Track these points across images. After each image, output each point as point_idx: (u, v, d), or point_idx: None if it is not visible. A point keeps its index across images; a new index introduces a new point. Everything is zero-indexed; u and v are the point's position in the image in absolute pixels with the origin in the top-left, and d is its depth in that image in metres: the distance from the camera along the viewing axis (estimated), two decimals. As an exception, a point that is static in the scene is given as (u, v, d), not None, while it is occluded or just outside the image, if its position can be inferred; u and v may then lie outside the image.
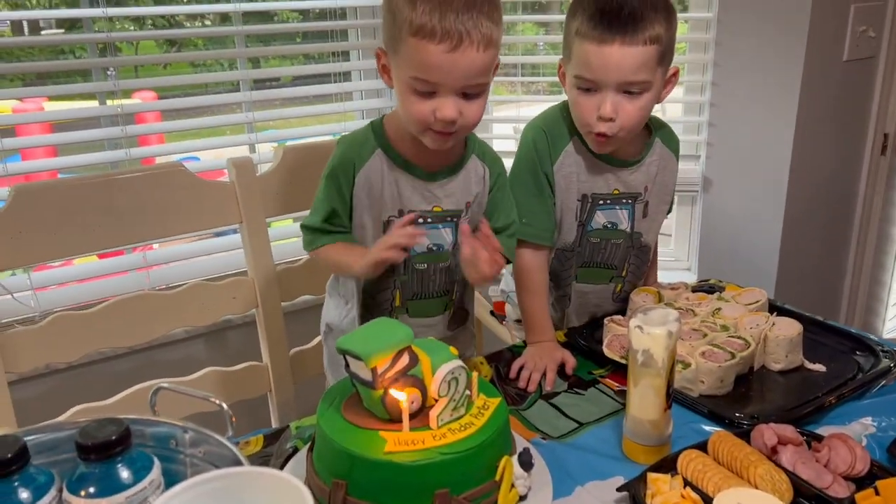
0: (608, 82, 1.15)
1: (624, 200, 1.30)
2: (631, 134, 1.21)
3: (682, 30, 2.24)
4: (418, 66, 0.98)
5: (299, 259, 1.49)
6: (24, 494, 0.64)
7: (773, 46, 1.92)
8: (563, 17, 2.46)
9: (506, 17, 2.17)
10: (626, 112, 1.17)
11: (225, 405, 0.78)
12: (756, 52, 1.94)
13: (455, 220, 1.15)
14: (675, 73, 1.22)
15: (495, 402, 0.89)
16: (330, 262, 1.18)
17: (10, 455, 0.63)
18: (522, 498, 0.87)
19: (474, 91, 1.01)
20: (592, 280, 1.36)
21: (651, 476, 0.87)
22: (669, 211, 1.42)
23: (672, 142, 1.35)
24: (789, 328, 1.16)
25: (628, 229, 1.32)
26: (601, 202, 1.30)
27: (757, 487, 0.83)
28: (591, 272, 1.36)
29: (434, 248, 1.15)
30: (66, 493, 0.66)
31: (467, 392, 0.86)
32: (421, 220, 1.12)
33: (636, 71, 1.13)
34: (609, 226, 1.31)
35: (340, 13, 1.95)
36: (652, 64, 1.14)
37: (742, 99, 1.99)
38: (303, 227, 1.17)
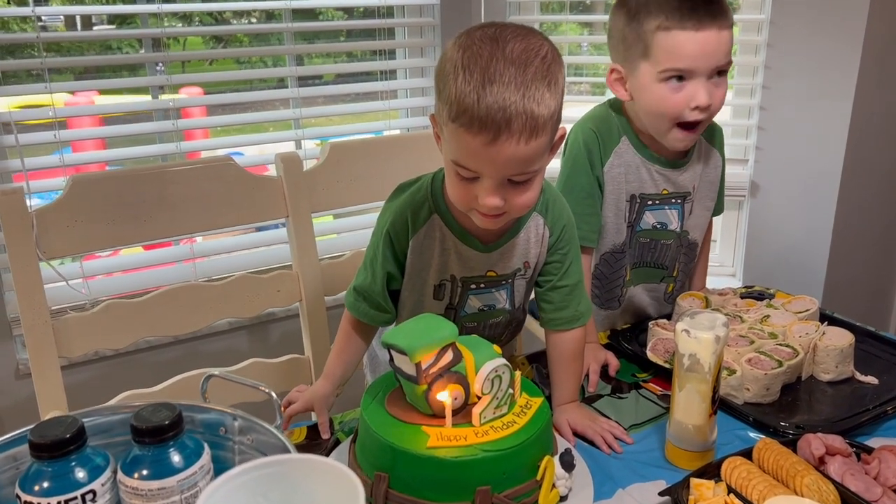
0: (703, 69, 1.15)
1: (673, 200, 1.29)
2: (713, 117, 1.23)
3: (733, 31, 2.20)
4: (457, 153, 0.89)
5: (342, 254, 1.50)
6: (80, 474, 0.66)
7: (828, 50, 1.88)
8: (607, 17, 2.47)
9: (550, 17, 2.19)
10: (716, 98, 1.18)
11: (274, 394, 0.80)
12: (809, 55, 1.90)
13: (509, 281, 1.08)
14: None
15: (538, 401, 0.89)
16: (338, 333, 1.15)
17: (68, 435, 0.65)
18: (563, 498, 0.87)
19: (521, 179, 0.90)
20: (644, 281, 1.36)
21: (694, 481, 0.86)
22: (720, 211, 1.41)
23: (714, 136, 1.34)
24: (840, 338, 1.14)
25: (678, 229, 1.31)
26: (650, 202, 1.29)
27: (803, 497, 0.82)
28: (642, 272, 1.35)
29: (485, 309, 1.09)
30: (120, 475, 0.68)
31: (510, 390, 0.87)
32: (474, 286, 1.07)
33: (727, 53, 1.16)
34: (658, 226, 1.30)
35: (388, 11, 1.97)
36: (731, 45, 1.17)
37: (793, 103, 1.95)
38: (354, 288, 1.11)
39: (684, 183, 1.29)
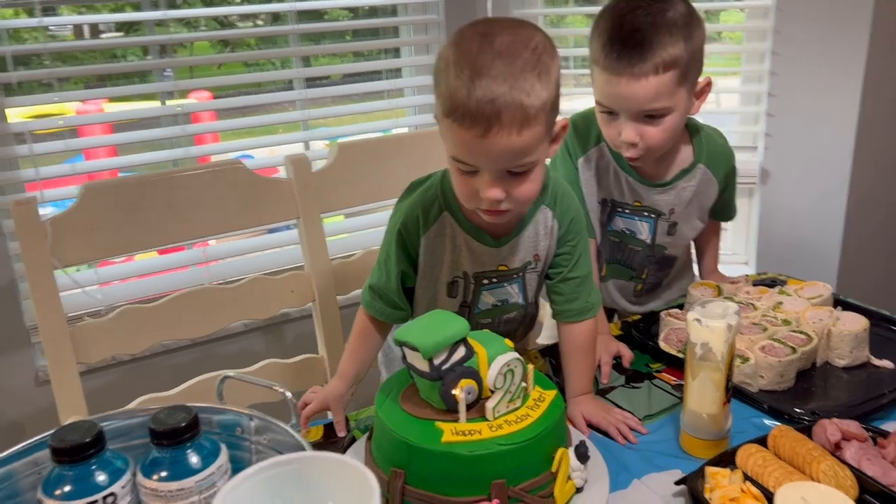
0: (624, 111, 1.13)
1: (645, 213, 1.28)
2: (661, 151, 1.19)
3: (739, 18, 2.20)
4: (454, 148, 0.91)
5: (354, 254, 1.51)
6: (101, 477, 0.67)
7: (836, 34, 1.87)
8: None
9: (557, 10, 2.19)
10: (649, 135, 1.14)
11: (289, 394, 0.80)
12: (817, 40, 1.88)
13: (521, 274, 1.08)
14: (708, 84, 1.18)
15: (551, 394, 0.89)
16: (352, 332, 1.14)
17: (87, 440, 0.66)
18: (579, 490, 0.87)
19: (519, 170, 0.91)
20: (616, 277, 1.37)
21: (710, 470, 0.86)
22: (731, 217, 1.41)
23: (718, 167, 1.29)
24: (854, 323, 1.13)
25: (648, 241, 1.30)
26: (620, 209, 1.29)
27: (820, 483, 0.82)
28: (614, 268, 1.36)
29: (499, 304, 1.10)
30: (139, 477, 0.69)
31: (523, 384, 0.87)
32: (486, 282, 1.07)
33: (651, 101, 1.10)
34: (628, 232, 1.31)
35: (391, 10, 1.97)
36: (669, 89, 1.10)
37: (802, 88, 1.94)
38: (369, 286, 1.11)
39: (659, 203, 1.27)
